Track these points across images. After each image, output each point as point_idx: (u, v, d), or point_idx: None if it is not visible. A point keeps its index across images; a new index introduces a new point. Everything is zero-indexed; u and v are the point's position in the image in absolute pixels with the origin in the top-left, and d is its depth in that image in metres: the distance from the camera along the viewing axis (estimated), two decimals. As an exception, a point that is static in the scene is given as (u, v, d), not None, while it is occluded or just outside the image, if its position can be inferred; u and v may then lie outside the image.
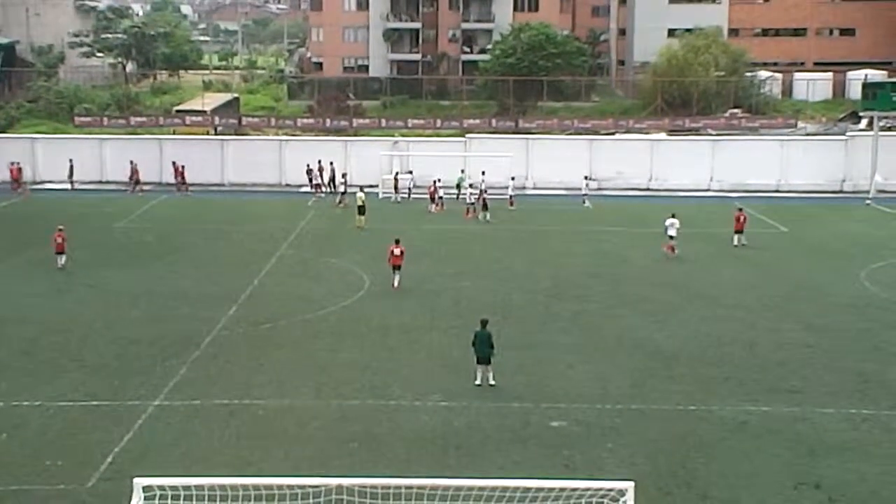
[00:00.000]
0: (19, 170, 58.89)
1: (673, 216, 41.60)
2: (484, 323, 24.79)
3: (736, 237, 42.85)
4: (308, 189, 56.95)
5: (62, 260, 38.00)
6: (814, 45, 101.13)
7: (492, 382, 24.45)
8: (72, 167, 59.18)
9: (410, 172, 57.92)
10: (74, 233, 40.35)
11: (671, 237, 41.20)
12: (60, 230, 38.54)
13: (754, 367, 26.59)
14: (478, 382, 24.49)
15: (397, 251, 35.00)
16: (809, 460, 20.48)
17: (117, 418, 22.40)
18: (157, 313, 31.58)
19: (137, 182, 58.42)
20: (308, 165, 57.20)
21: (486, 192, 50.92)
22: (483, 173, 54.95)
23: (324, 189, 56.64)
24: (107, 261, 39.41)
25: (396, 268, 34.96)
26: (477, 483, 14.75)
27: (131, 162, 58.98)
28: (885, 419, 22.81)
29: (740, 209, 44.17)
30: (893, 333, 29.89)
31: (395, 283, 34.88)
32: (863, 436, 21.88)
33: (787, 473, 19.81)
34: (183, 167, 59.00)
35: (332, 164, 57.73)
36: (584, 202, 54.50)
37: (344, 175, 55.12)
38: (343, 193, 53.21)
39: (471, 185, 51.86)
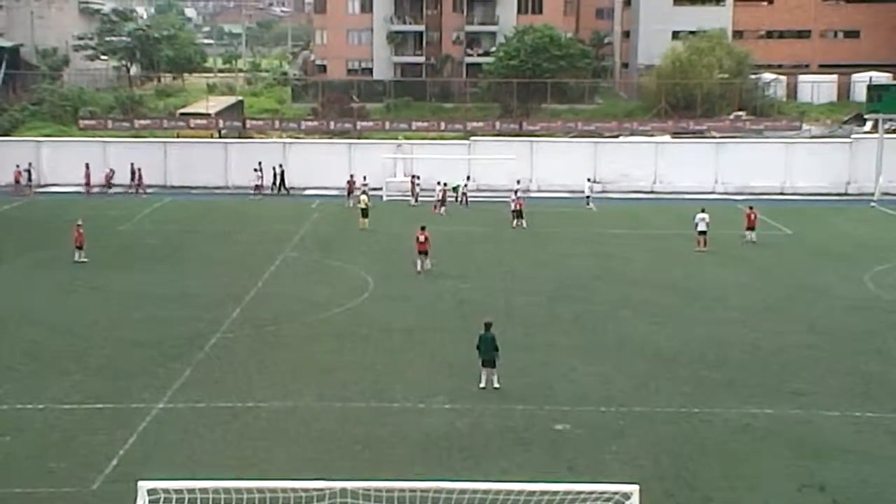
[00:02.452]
0: (21, 173, 58.80)
1: (703, 210, 42.80)
2: (488, 326, 24.77)
3: (748, 233, 43.75)
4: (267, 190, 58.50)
5: (81, 255, 39.07)
6: (818, 47, 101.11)
7: (496, 385, 24.44)
8: (30, 172, 58.99)
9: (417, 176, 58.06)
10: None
11: (702, 232, 42.09)
12: (79, 225, 39.46)
13: (757, 369, 26.56)
14: (482, 385, 24.48)
15: (422, 237, 37.22)
16: (813, 463, 20.46)
17: (121, 421, 22.42)
18: (161, 315, 31.61)
19: (88, 184, 58.54)
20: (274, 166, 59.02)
21: (465, 194, 54.19)
22: (468, 178, 55.63)
23: (263, 190, 58.23)
24: (111, 263, 39.44)
25: (423, 253, 37.09)
26: (480, 486, 14.76)
27: (87, 165, 58.95)
28: (889, 422, 22.77)
29: (751, 207, 44.88)
30: (898, 336, 29.87)
31: (422, 267, 37.05)
32: (867, 438, 21.85)
33: (790, 476, 19.78)
34: (139, 169, 59.04)
35: (280, 166, 59.23)
36: (587, 203, 54.53)
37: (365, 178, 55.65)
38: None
39: (515, 192, 51.18)
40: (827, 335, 29.86)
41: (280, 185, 59.06)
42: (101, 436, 21.56)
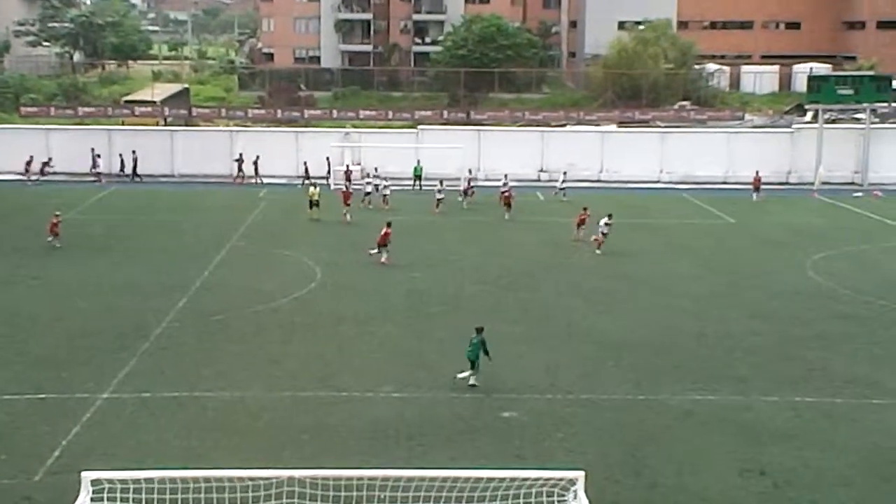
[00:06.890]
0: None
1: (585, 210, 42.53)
2: (479, 330, 24.36)
3: (578, 231, 42.55)
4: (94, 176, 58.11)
5: (56, 241, 39.21)
6: (760, 37, 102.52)
7: (472, 383, 24.12)
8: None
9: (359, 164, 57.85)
10: (21, 224, 39.78)
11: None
12: (57, 215, 39.73)
13: (702, 355, 26.97)
14: (460, 376, 24.25)
15: (384, 231, 37.56)
16: (755, 447, 20.84)
17: (65, 411, 22.15)
18: (105, 305, 31.24)
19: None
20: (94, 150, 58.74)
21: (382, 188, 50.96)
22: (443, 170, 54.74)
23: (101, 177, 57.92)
24: (54, 252, 38.83)
25: (383, 246, 37.31)
26: (428, 473, 14.81)
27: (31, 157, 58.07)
28: (828, 406, 23.26)
29: (585, 208, 43.11)
30: (837, 322, 30.49)
31: (382, 259, 37.12)
32: (806, 423, 22.31)
33: (733, 460, 20.15)
34: (31, 157, 57.76)
35: (134, 153, 58.76)
36: (555, 193, 54.05)
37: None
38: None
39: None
40: (769, 322, 30.39)
41: (133, 172, 58.41)
42: (44, 427, 21.28)
